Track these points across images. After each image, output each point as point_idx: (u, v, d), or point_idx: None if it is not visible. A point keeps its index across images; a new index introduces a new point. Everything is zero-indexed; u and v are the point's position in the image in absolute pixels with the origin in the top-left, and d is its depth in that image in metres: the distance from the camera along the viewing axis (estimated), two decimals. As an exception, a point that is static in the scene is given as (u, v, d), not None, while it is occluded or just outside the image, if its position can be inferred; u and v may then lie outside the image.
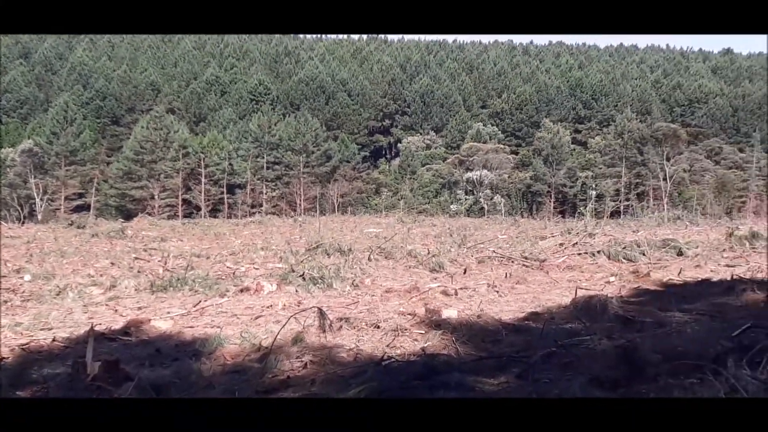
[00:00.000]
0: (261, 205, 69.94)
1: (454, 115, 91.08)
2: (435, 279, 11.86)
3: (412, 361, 5.26)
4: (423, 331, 6.55)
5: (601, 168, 73.89)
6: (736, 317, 6.51)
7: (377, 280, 11.61)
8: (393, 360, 5.27)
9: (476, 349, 5.84)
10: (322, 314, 6.70)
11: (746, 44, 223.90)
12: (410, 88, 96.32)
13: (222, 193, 70.08)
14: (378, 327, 6.72)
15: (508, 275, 11.92)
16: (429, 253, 15.07)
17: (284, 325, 6.41)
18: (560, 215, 65.16)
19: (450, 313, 7.38)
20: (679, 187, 70.03)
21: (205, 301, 9.57)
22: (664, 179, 68.68)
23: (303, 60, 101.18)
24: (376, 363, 5.13)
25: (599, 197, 66.18)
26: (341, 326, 6.78)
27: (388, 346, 6.02)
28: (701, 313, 6.95)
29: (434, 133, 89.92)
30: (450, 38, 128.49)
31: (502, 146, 79.37)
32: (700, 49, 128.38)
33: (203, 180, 68.41)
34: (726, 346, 4.83)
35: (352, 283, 10.95)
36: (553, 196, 73.48)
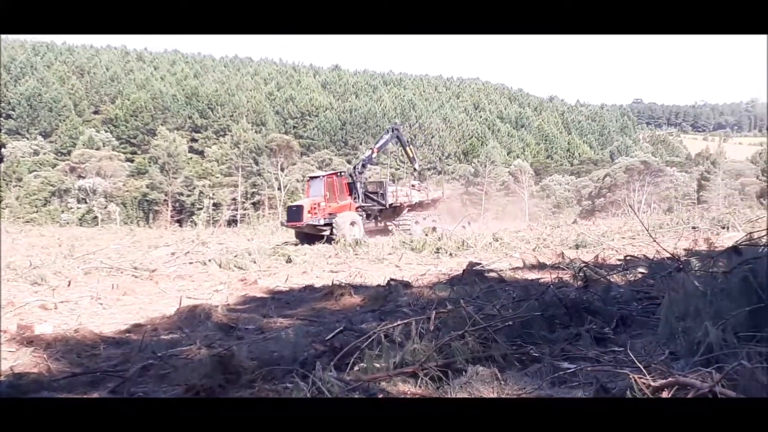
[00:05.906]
0: None
1: (63, 120, 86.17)
2: (35, 293, 10.84)
3: (-3, 382, 4.72)
4: (13, 350, 5.93)
5: (218, 177, 75.23)
6: (332, 320, 6.93)
7: (-36, 297, 10.30)
8: (-28, 382, 4.68)
9: (70, 365, 5.44)
10: None
11: (353, 62, 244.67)
12: (15, 91, 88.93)
13: None
14: (-41, 348, 5.93)
15: (115, 286, 11.34)
16: (31, 265, 13.80)
17: None
18: (177, 224, 65.01)
19: (44, 328, 6.79)
20: (293, 197, 73.94)
21: None
22: (279, 188, 71.99)
23: None
24: (-48, 387, 4.51)
25: (216, 206, 67.14)
26: None
27: (-30, 367, 5.36)
28: (301, 318, 7.27)
29: (42, 139, 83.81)
30: (59, 40, 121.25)
31: (116, 153, 77.69)
32: (311, 64, 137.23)
33: None
34: (319, 350, 5.08)
35: (-69, 303, 9.58)
36: (170, 204, 72.79)
